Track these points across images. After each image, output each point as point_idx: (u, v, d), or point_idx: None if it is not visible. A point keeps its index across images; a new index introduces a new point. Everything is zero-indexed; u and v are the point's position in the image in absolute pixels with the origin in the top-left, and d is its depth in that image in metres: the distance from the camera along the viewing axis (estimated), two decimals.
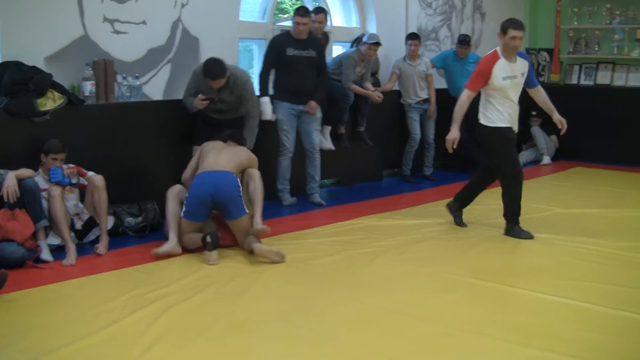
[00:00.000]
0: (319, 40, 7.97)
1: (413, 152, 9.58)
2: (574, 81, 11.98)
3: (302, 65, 7.63)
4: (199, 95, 6.64)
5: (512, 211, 6.66)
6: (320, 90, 7.85)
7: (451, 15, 10.74)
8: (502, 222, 6.87)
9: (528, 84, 6.69)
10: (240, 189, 5.86)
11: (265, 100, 7.59)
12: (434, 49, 10.46)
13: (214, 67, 6.56)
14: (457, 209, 7.09)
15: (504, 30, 6.35)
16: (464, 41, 9.87)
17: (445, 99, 9.88)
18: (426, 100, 9.58)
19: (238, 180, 5.91)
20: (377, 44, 8.62)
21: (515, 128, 6.66)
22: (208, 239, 5.65)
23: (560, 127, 6.89)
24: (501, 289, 5.09)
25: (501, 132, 6.55)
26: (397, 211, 7.69)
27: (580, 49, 11.92)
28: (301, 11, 7.58)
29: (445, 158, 10.41)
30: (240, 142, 6.42)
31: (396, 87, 9.53)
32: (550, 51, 12.14)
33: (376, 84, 9.28)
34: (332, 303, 4.78)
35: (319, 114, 7.94)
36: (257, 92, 7.42)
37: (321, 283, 5.25)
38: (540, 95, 6.89)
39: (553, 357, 3.88)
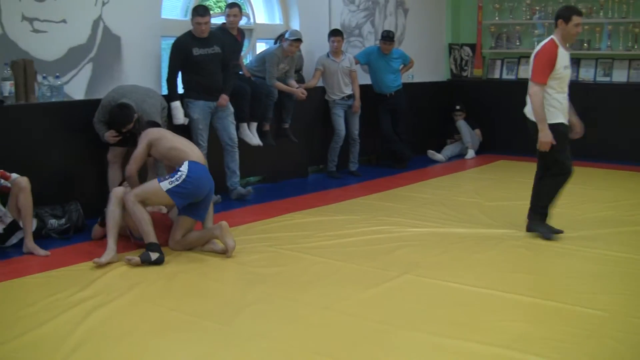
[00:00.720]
0: (219, 35, 8.01)
1: (338, 148, 9.71)
2: (497, 75, 12.29)
3: (210, 62, 7.68)
4: (110, 132, 6.71)
5: (541, 203, 6.57)
6: (229, 83, 7.92)
7: (374, 11, 10.88)
8: (433, 218, 7.16)
9: None
10: None
11: (176, 104, 7.64)
12: (357, 45, 10.59)
13: (119, 115, 6.55)
14: (538, 223, 6.58)
15: (566, 18, 6.23)
16: (387, 37, 10.05)
17: (370, 95, 10.11)
18: (350, 97, 9.71)
19: None
20: (299, 40, 8.74)
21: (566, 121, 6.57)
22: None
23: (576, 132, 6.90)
24: (427, 282, 5.23)
25: (560, 129, 6.46)
26: (323, 207, 7.78)
27: (502, 43, 12.24)
28: (200, 10, 7.62)
29: (372, 154, 10.67)
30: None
31: (320, 84, 9.64)
32: (472, 46, 12.43)
33: (300, 80, 9.39)
34: (259, 300, 4.85)
35: (231, 107, 8.02)
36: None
37: (248, 281, 5.33)
38: None
39: (477, 347, 4.03)
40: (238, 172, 8.14)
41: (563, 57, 6.24)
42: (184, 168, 5.80)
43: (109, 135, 6.71)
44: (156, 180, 5.92)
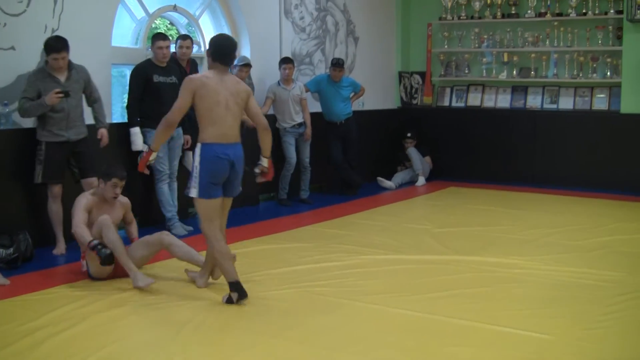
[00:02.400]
0: (177, 66, 8.16)
1: (289, 175, 9.81)
2: (446, 103, 12.54)
3: (169, 91, 7.72)
4: (53, 91, 6.65)
5: None
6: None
7: (325, 39, 11.08)
8: (384, 245, 7.32)
9: None
10: None
11: (136, 130, 7.73)
12: (308, 73, 10.74)
13: (58, 41, 6.74)
14: None
15: None
16: (337, 64, 10.23)
17: (320, 123, 10.25)
18: (301, 124, 9.85)
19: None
20: (248, 65, 8.90)
21: None
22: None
23: None
24: (376, 309, 5.34)
25: None
26: (275, 235, 7.86)
27: (451, 71, 12.52)
28: (161, 36, 7.82)
29: (323, 181, 10.80)
30: None
31: (271, 112, 9.74)
32: (422, 74, 12.66)
33: None
34: (208, 329, 4.93)
35: (182, 138, 8.10)
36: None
37: (197, 308, 5.38)
38: None
39: None
40: (176, 204, 8.15)
41: None
42: (196, 161, 5.56)
43: (53, 95, 6.62)
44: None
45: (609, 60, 11.18)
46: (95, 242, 5.86)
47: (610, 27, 11.15)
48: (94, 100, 7.25)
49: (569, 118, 11.41)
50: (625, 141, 10.88)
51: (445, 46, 12.48)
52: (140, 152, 6.98)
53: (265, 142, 5.86)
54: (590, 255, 7.02)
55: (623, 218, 8.87)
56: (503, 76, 11.96)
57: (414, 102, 12.77)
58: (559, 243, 7.54)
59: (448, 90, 12.59)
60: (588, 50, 11.32)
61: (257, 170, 6.01)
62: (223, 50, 5.63)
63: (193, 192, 5.57)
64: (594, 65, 11.31)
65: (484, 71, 12.21)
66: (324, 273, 6.31)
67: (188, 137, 8.06)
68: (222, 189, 5.70)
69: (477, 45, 12.21)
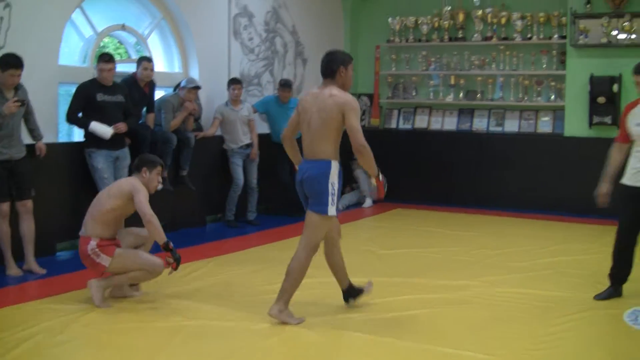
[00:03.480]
0: (124, 86, 8.22)
1: (236, 197, 9.84)
2: (393, 125, 12.72)
3: (113, 110, 7.82)
4: (12, 99, 6.70)
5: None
6: (129, 122, 8.04)
7: (274, 61, 11.22)
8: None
9: None
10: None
11: (94, 124, 7.69)
12: (256, 94, 10.85)
13: (16, 57, 6.81)
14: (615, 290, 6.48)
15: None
16: (285, 85, 10.35)
17: (268, 144, 10.34)
18: (249, 145, 9.92)
19: None
20: (196, 87, 9.02)
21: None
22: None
23: None
24: (319, 332, 5.41)
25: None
26: (221, 257, 7.89)
27: (399, 94, 12.72)
28: (105, 57, 7.83)
29: (270, 203, 10.87)
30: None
31: (219, 132, 9.82)
32: (370, 96, 12.84)
33: (199, 129, 9.61)
34: (156, 349, 4.98)
35: (129, 158, 8.08)
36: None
37: (140, 329, 5.42)
38: None
39: None
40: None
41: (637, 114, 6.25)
42: (334, 178, 5.64)
43: (11, 103, 6.66)
44: (312, 215, 5.69)
45: (553, 84, 11.49)
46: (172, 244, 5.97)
47: (554, 52, 11.48)
48: (29, 113, 7.21)
49: (514, 141, 11.68)
50: (568, 163, 11.18)
51: (393, 69, 12.69)
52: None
53: (361, 162, 5.67)
54: (534, 276, 7.20)
55: (567, 239, 9.11)
56: (450, 99, 12.20)
57: (362, 124, 12.82)
58: (503, 264, 7.72)
59: (395, 112, 12.78)
60: (533, 74, 11.63)
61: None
62: (321, 62, 5.73)
63: (333, 211, 5.63)
64: (539, 88, 11.61)
65: (431, 94, 12.44)
66: (267, 295, 6.27)
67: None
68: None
69: (424, 68, 12.43)
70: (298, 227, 9.61)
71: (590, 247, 8.58)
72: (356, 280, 6.19)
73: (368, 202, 11.78)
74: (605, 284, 6.50)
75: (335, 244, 6.01)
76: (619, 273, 6.42)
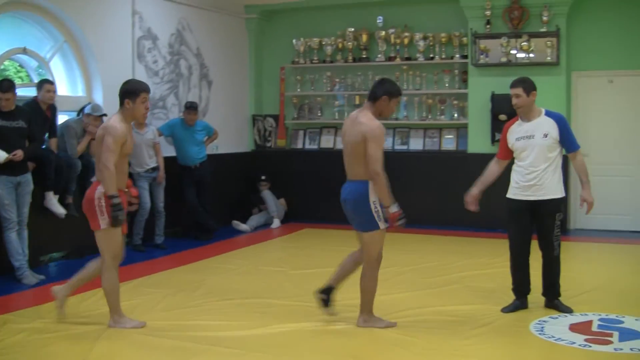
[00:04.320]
0: (27, 110, 8.07)
1: (143, 221, 9.78)
2: (300, 145, 12.83)
3: (13, 136, 7.69)
4: None
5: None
6: (31, 149, 7.95)
7: (178, 83, 11.19)
8: (239, 289, 7.44)
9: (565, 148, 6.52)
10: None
11: None
12: (161, 117, 10.80)
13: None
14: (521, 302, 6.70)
15: None
16: (191, 107, 10.39)
17: (174, 167, 10.32)
18: (155, 169, 9.89)
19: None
20: (102, 115, 8.76)
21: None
22: None
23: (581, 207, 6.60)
24: (231, 353, 5.46)
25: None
26: (128, 282, 7.75)
27: (304, 114, 12.83)
28: (3, 87, 7.65)
29: (178, 226, 10.84)
30: None
31: None
32: (275, 117, 12.91)
33: None
34: None
35: (31, 185, 7.99)
36: None
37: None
38: (574, 163, 6.65)
39: None
40: (26, 252, 8.00)
41: (516, 128, 6.60)
42: (372, 198, 5.94)
43: None
44: (365, 235, 6.01)
45: (455, 102, 11.79)
46: (117, 200, 5.82)
47: (456, 71, 11.79)
48: None
49: (419, 158, 11.93)
50: (472, 180, 11.32)
51: (298, 89, 12.81)
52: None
53: (375, 189, 5.88)
54: (444, 291, 7.37)
55: (473, 254, 9.35)
56: None
57: (268, 145, 13.00)
58: (412, 280, 7.87)
59: (301, 132, 12.89)
60: (436, 92, 11.90)
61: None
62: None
63: (382, 225, 5.95)
64: (442, 107, 11.89)
65: (337, 114, 12.59)
66: (177, 321, 6.29)
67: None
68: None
69: (329, 88, 12.59)
70: (205, 249, 9.80)
71: (496, 260, 8.79)
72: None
73: (276, 223, 11.84)
74: (511, 296, 6.72)
75: (358, 257, 6.30)
76: (520, 286, 6.64)
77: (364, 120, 5.83)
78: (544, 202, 6.42)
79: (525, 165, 6.46)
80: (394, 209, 5.89)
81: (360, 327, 6.08)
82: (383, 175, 5.77)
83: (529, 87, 6.46)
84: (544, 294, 6.68)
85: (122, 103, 5.94)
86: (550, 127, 6.41)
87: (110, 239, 6.00)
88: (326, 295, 6.31)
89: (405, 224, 5.97)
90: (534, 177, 6.42)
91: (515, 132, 6.54)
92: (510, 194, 6.67)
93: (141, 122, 6.21)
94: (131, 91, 5.93)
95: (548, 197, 6.41)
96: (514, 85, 6.49)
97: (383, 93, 5.90)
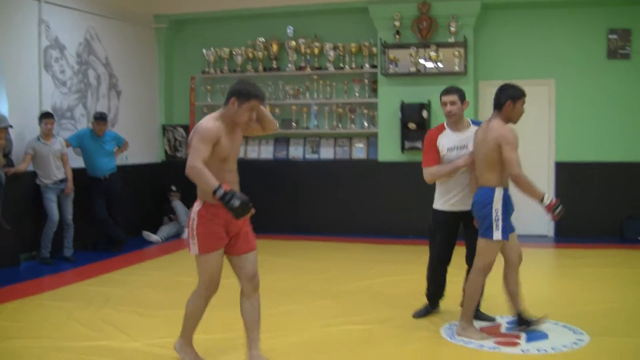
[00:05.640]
0: None
1: (51, 233, 9.64)
2: None
3: None
4: None
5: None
6: None
7: (87, 93, 11.06)
8: (151, 301, 7.43)
9: None
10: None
11: None
12: (70, 127, 10.66)
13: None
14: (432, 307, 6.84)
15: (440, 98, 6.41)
16: (100, 118, 10.28)
17: (83, 179, 10.20)
18: (63, 180, 9.76)
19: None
20: (7, 127, 8.61)
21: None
22: None
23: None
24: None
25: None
26: (37, 296, 7.70)
27: None
28: None
29: (87, 238, 10.74)
30: None
31: (31, 168, 9.61)
32: (186, 127, 12.89)
33: (9, 164, 9.29)
34: None
35: None
36: None
37: None
38: None
39: None
40: None
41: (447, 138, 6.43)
42: (498, 205, 5.95)
43: None
44: (480, 241, 6.02)
45: (365, 111, 11.96)
46: (221, 191, 4.83)
47: (366, 81, 11.95)
48: None
49: (330, 167, 12.07)
50: (383, 188, 11.72)
51: (209, 99, 12.79)
52: None
53: (520, 191, 5.92)
54: (357, 299, 7.47)
55: (384, 260, 9.51)
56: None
57: (179, 155, 12.94)
58: (325, 289, 7.96)
59: None
60: (346, 102, 12.04)
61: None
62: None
63: (498, 236, 5.90)
64: (352, 116, 12.04)
65: None
66: (84, 335, 6.26)
67: None
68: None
69: None
70: (116, 261, 9.74)
71: (407, 267, 8.95)
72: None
73: (187, 233, 11.78)
74: (422, 301, 6.88)
75: (513, 268, 6.21)
76: (435, 292, 6.76)
77: (495, 127, 5.93)
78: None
79: (460, 175, 6.35)
80: (546, 201, 5.88)
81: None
82: (524, 175, 5.83)
83: (462, 95, 6.39)
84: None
85: (227, 101, 5.17)
86: None
87: (203, 266, 5.28)
88: (525, 325, 6.23)
89: (563, 211, 5.89)
90: (469, 189, 6.33)
91: (446, 142, 6.38)
92: (440, 206, 6.51)
93: (241, 129, 5.28)
94: (242, 92, 5.13)
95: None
96: (449, 92, 6.37)
97: (506, 99, 6.03)
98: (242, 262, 5.44)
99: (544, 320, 6.23)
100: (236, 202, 4.79)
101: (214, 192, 4.82)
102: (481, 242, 6.02)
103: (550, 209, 5.85)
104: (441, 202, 6.49)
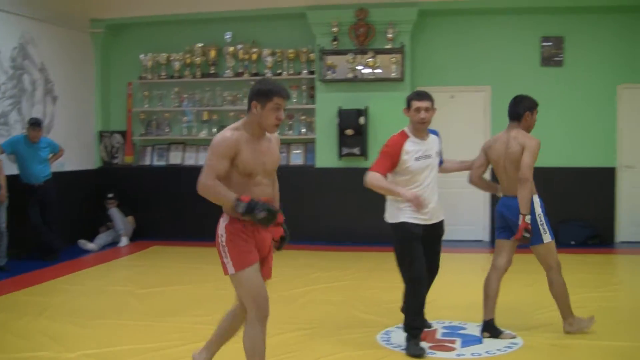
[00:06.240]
0: None
1: None
2: (147, 162, 12.74)
3: None
4: None
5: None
6: None
7: (21, 99, 10.91)
8: (87, 310, 7.37)
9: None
10: None
11: None
12: (3, 134, 10.50)
13: None
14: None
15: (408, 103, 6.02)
16: (35, 124, 10.15)
17: (17, 186, 10.06)
18: None
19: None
20: None
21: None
22: None
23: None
24: None
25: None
26: None
27: (152, 130, 12.74)
28: None
29: (22, 247, 10.61)
30: None
31: None
32: (123, 133, 12.78)
33: None
34: None
35: None
36: None
37: None
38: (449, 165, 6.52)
39: None
40: None
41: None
42: (538, 211, 6.25)
43: None
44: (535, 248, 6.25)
45: (303, 117, 12.03)
46: (243, 204, 4.51)
47: (304, 87, 12.03)
48: None
49: None
50: (321, 194, 11.81)
51: (146, 105, 12.72)
52: None
53: (520, 193, 6.09)
54: (293, 306, 7.53)
55: (322, 267, 9.56)
56: (203, 134, 12.40)
57: (115, 161, 12.85)
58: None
59: (149, 149, 12.80)
60: (284, 108, 12.14)
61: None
62: (509, 105, 6.45)
63: (548, 238, 6.20)
64: (290, 122, 12.08)
65: (185, 130, 12.58)
66: (11, 355, 6.09)
67: None
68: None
69: (177, 104, 12.58)
70: (51, 270, 9.64)
71: (344, 273, 9.07)
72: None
73: (124, 241, 11.75)
74: (359, 308, 6.96)
75: (499, 273, 6.41)
76: (421, 322, 6.16)
77: (520, 136, 6.20)
78: (439, 223, 6.13)
79: (426, 187, 5.96)
80: (527, 219, 6.07)
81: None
82: (531, 182, 6.07)
83: (433, 102, 6.07)
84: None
85: (249, 107, 4.77)
86: (437, 145, 6.15)
87: (244, 284, 4.71)
88: (493, 332, 6.34)
89: (529, 240, 6.12)
90: (436, 199, 6.05)
91: (413, 150, 5.95)
92: (406, 219, 5.94)
93: (271, 132, 4.87)
94: (262, 92, 4.73)
95: (441, 217, 6.16)
96: (423, 97, 5.99)
97: (524, 110, 6.28)
98: None
99: (513, 335, 6.33)
100: (261, 214, 4.53)
101: (234, 208, 4.51)
102: (538, 249, 6.25)
103: (522, 228, 6.06)
104: (411, 214, 5.93)
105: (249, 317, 4.66)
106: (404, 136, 6.01)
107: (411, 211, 5.87)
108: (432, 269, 6.18)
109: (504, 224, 6.36)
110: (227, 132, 4.65)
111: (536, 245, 6.19)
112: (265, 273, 4.86)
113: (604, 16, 11.53)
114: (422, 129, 6.01)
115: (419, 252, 5.92)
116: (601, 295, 7.93)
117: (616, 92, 11.64)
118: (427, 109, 5.96)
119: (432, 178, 6.03)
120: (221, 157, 4.57)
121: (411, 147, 5.95)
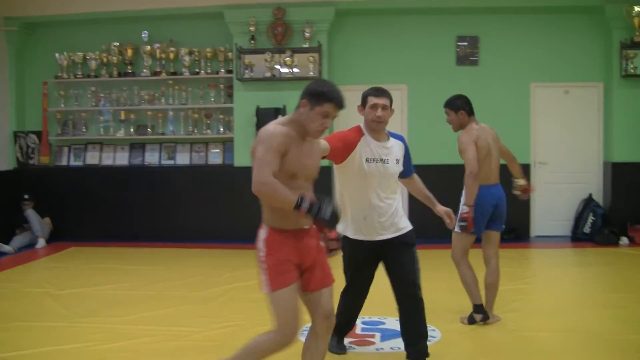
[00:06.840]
0: None
1: None
2: (64, 162, 12.59)
3: None
4: None
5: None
6: None
7: None
8: None
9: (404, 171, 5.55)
10: None
11: None
12: None
13: None
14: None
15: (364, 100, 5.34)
16: None
17: None
18: None
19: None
20: None
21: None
22: None
23: (447, 221, 5.66)
24: None
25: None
26: None
27: (69, 130, 12.58)
28: None
29: None
30: None
31: None
32: (39, 133, 12.60)
33: None
34: None
35: None
36: None
37: None
38: (413, 184, 5.76)
39: None
40: None
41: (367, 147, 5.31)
42: None
43: None
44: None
45: (221, 116, 12.03)
46: (308, 202, 4.16)
47: (222, 86, 12.04)
48: None
49: (186, 173, 12.09)
50: (239, 193, 11.77)
51: (62, 105, 12.56)
52: None
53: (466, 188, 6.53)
54: (214, 305, 7.57)
55: (239, 266, 9.59)
56: (121, 134, 12.32)
57: (31, 162, 12.65)
58: (182, 295, 7.99)
59: (66, 149, 12.66)
60: (202, 107, 12.08)
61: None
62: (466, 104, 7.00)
63: (457, 228, 6.60)
64: (208, 121, 12.08)
65: (102, 129, 12.47)
66: None
67: None
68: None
69: (94, 103, 12.46)
70: None
71: None
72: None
73: (41, 243, 11.61)
74: None
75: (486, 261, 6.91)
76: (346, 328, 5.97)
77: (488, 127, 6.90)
78: (402, 236, 5.39)
79: (380, 198, 5.30)
80: (462, 209, 6.59)
81: None
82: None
83: (392, 100, 5.37)
84: (413, 357, 5.49)
85: (299, 103, 4.42)
86: (400, 151, 5.43)
87: (276, 306, 4.37)
88: (484, 315, 6.71)
89: (466, 226, 6.57)
90: (391, 212, 5.34)
91: (366, 151, 5.24)
92: (351, 234, 5.36)
93: (313, 137, 4.43)
94: (315, 93, 4.35)
95: (406, 229, 5.42)
96: (381, 94, 5.29)
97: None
98: (318, 298, 4.48)
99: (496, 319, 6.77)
100: (327, 213, 4.15)
101: (298, 206, 4.11)
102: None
103: (461, 218, 6.48)
104: (355, 231, 5.36)
105: (271, 333, 4.37)
106: (359, 133, 5.30)
107: (356, 226, 5.32)
108: (402, 289, 5.47)
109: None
110: (278, 127, 4.28)
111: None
112: (322, 280, 4.49)
113: (518, 16, 11.86)
114: (378, 129, 5.27)
115: (360, 270, 5.50)
116: (516, 288, 8.22)
117: (530, 90, 11.95)
118: (384, 107, 5.22)
119: (388, 187, 5.34)
120: (275, 151, 4.17)
121: (365, 147, 5.22)
